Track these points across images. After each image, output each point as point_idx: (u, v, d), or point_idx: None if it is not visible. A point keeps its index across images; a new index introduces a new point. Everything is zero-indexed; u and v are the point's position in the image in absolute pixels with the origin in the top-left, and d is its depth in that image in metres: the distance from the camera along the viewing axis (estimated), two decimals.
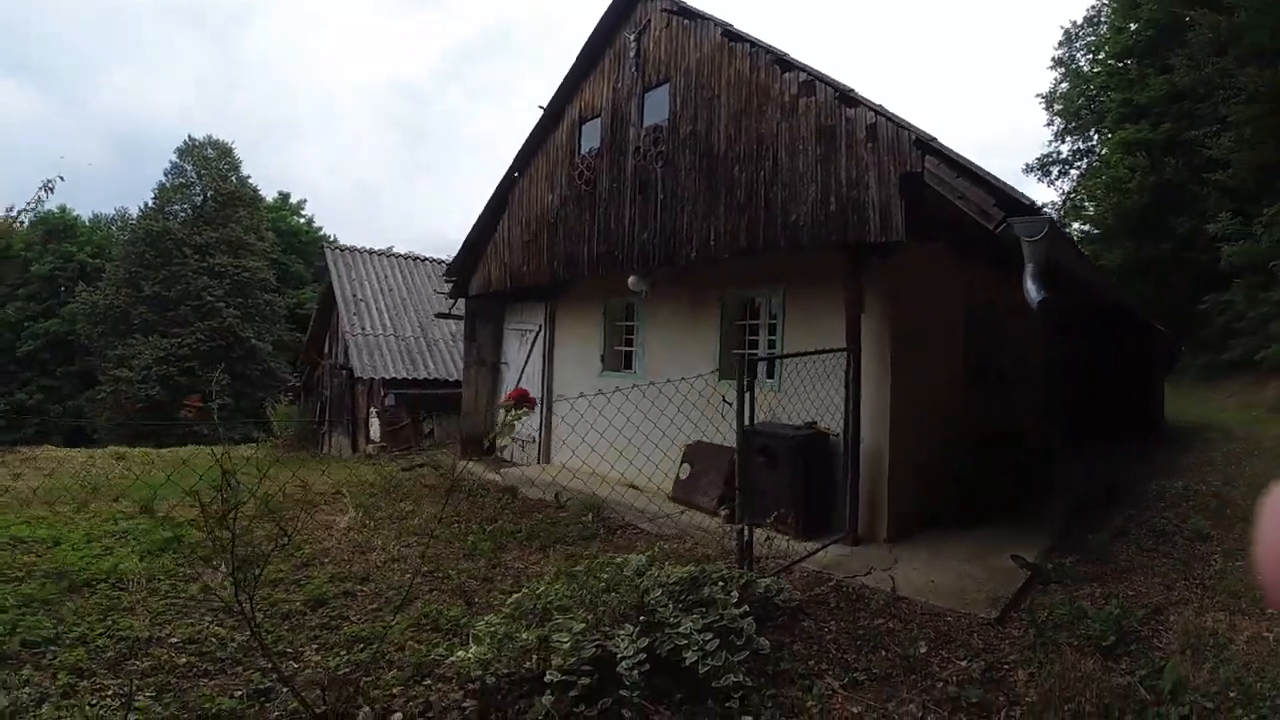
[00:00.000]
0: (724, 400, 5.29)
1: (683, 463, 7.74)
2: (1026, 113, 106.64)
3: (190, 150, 36.17)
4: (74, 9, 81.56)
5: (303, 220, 45.47)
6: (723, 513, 7.00)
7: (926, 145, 5.29)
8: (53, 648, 3.93)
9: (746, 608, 3.96)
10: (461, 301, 11.59)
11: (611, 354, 9.61)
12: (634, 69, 8.11)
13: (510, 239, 10.11)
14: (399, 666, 3.80)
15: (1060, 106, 33.21)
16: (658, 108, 7.85)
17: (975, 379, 8.00)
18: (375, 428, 14.22)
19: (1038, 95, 35.22)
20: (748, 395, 4.64)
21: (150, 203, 35.48)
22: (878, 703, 3.62)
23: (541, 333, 10.67)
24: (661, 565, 4.26)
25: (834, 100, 5.92)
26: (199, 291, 32.52)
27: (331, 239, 45.11)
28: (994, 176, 5.16)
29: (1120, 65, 28.60)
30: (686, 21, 7.51)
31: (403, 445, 13.58)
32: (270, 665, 3.34)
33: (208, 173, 35.70)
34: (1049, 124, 34.64)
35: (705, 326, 8.09)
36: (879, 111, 5.63)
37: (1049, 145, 34.59)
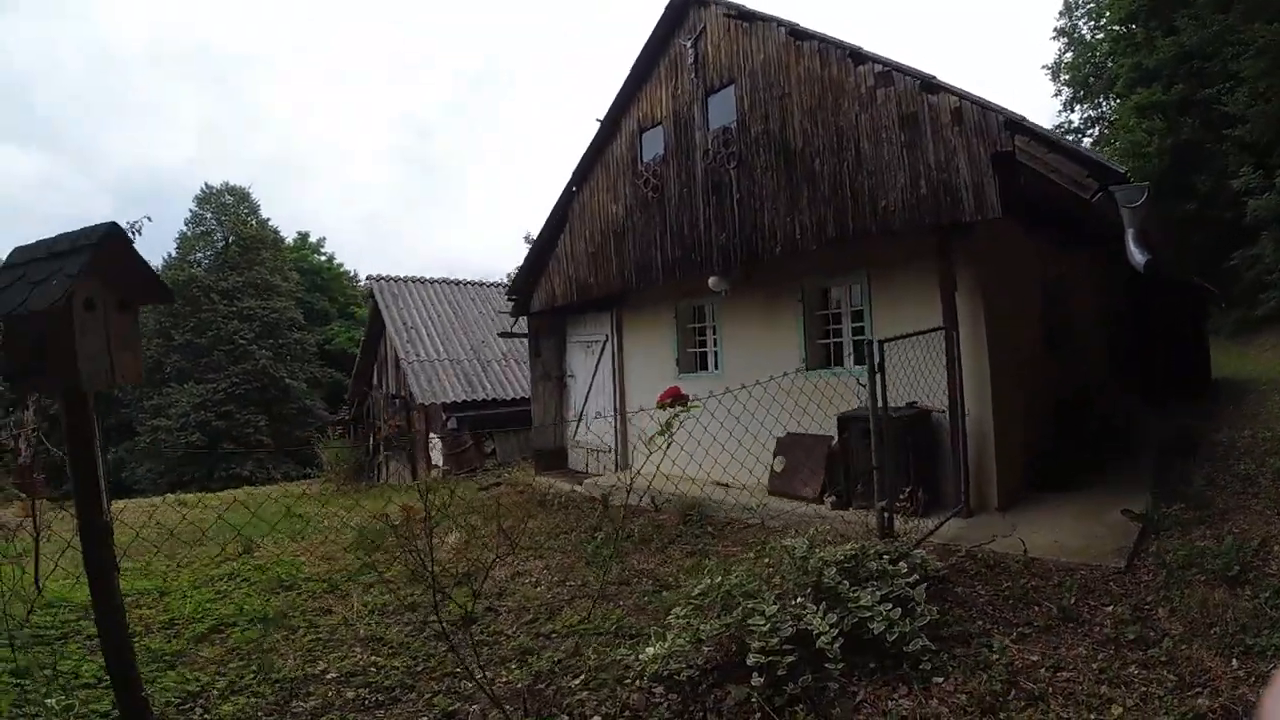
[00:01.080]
0: (858, 383, 5.45)
1: (776, 455, 7.88)
2: (1034, 85, 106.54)
3: (209, 198, 36.79)
4: (73, 68, 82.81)
5: (323, 258, 46.04)
6: (828, 500, 7.14)
7: (1017, 125, 5.46)
8: (201, 701, 3.70)
9: (916, 577, 4.12)
10: (523, 320, 11.80)
11: (685, 356, 9.77)
12: (694, 74, 8.28)
13: (574, 253, 10.30)
14: (581, 672, 3.85)
15: (1067, 76, 33.25)
16: (723, 110, 7.99)
17: (1054, 346, 8.14)
18: (438, 452, 14.42)
19: (1043, 66, 35.28)
20: (878, 376, 4.80)
21: (173, 252, 36.14)
22: (1049, 650, 3.82)
23: (609, 342, 10.85)
24: (822, 547, 4.42)
25: (914, 89, 6.09)
26: (230, 336, 32.96)
27: (352, 274, 45.70)
28: (1083, 148, 5.33)
29: (1125, 30, 28.60)
30: (746, 24, 7.67)
31: (467, 467, 13.77)
32: (482, 686, 3.40)
33: (228, 218, 36.30)
34: (1056, 94, 34.79)
35: (785, 318, 8.23)
36: (963, 95, 5.80)
37: (1059, 115, 34.63)
